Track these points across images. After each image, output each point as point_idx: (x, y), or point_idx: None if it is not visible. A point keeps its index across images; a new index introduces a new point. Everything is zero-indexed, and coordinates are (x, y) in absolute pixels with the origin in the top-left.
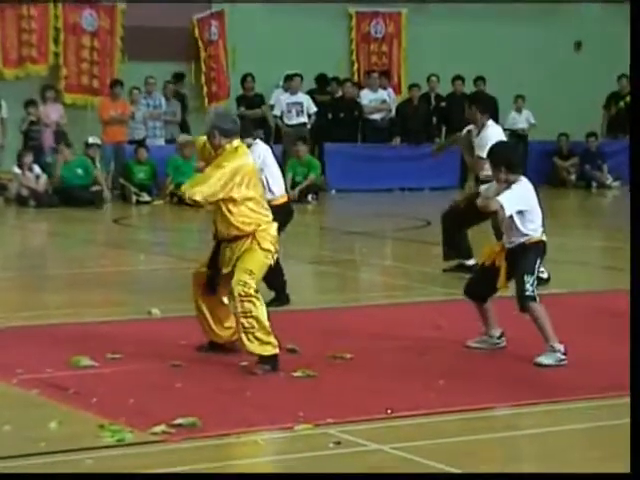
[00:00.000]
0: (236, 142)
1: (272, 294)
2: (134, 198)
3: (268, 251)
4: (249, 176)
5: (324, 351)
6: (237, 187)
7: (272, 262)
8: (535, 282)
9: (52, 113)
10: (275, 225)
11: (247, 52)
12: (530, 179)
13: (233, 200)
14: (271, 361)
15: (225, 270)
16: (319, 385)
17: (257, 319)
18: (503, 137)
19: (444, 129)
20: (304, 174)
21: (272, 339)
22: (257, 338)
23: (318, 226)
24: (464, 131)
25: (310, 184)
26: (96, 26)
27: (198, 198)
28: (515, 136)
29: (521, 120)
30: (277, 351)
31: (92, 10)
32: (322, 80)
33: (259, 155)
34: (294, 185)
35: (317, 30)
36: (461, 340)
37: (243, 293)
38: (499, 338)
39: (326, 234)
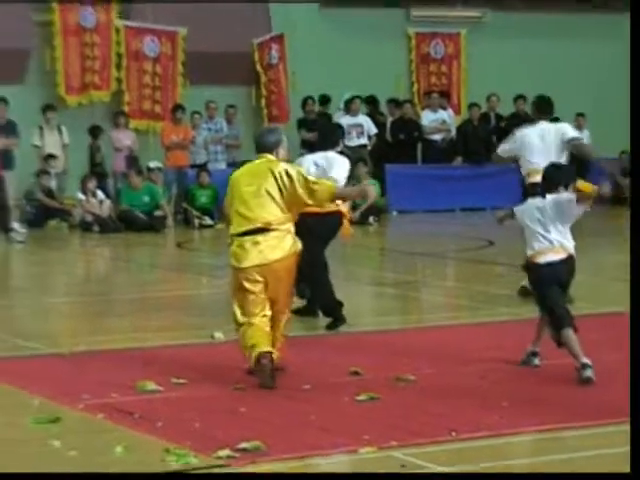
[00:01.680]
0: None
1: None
2: (196, 222)
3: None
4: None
5: (387, 373)
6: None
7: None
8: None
9: (124, 139)
10: (233, 240)
11: (307, 75)
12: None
13: None
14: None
15: None
16: (383, 408)
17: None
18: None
19: None
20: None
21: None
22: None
23: (379, 247)
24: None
25: (371, 205)
26: (158, 52)
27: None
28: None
29: (583, 138)
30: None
31: (153, 36)
32: (373, 102)
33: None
34: (355, 207)
35: (377, 52)
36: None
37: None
38: (532, 355)
39: (387, 255)
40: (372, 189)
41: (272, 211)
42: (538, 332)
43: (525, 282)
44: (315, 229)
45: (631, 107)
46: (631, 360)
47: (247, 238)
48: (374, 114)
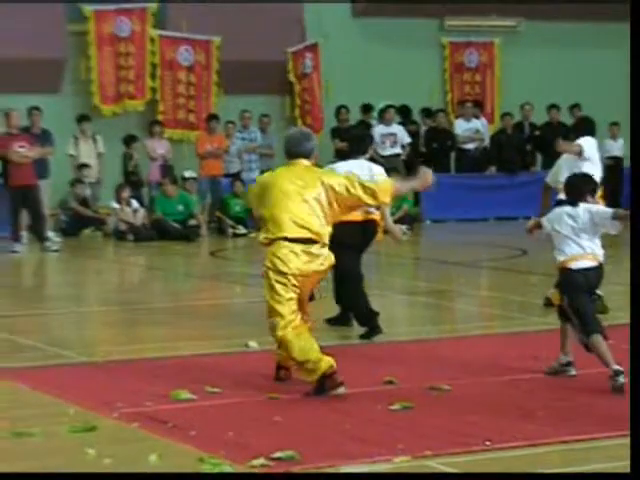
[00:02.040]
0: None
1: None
2: (230, 231)
3: (266, 268)
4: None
5: (421, 383)
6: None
7: (270, 279)
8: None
9: (159, 148)
10: (280, 243)
11: (341, 84)
12: (624, 206)
13: None
14: (320, 388)
15: None
16: (417, 417)
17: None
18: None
19: (540, 158)
20: (398, 205)
21: (314, 366)
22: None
23: (413, 256)
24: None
25: (404, 215)
26: (192, 61)
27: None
28: (611, 163)
29: (617, 147)
30: (321, 374)
31: (188, 45)
32: (405, 111)
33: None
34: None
35: (410, 61)
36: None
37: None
38: (566, 365)
39: (421, 264)
40: (430, 174)
41: (320, 222)
42: (563, 342)
43: (550, 293)
44: (351, 238)
45: (631, 108)
46: (631, 361)
47: (299, 245)
48: (407, 123)
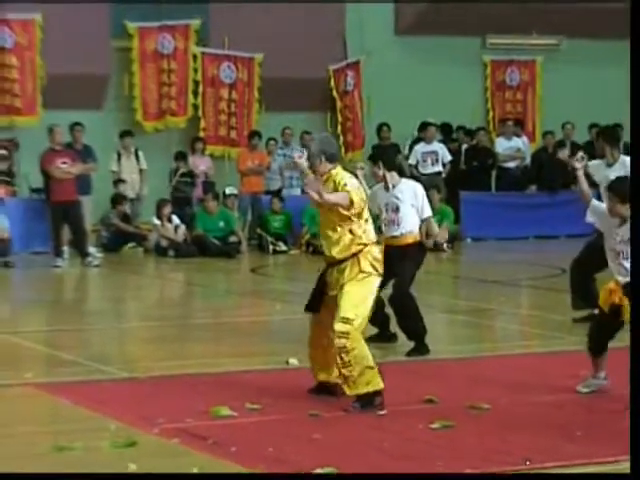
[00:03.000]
0: (339, 168)
1: (411, 343)
2: (271, 248)
3: (368, 273)
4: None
5: (462, 401)
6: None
7: (374, 285)
8: None
9: (200, 164)
10: (379, 247)
11: (382, 102)
12: None
13: (341, 218)
14: (365, 399)
15: (331, 293)
16: (457, 435)
17: (353, 356)
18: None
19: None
20: (438, 222)
21: (369, 377)
22: (351, 375)
23: (453, 275)
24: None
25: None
26: (234, 78)
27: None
28: None
29: None
30: (373, 389)
31: (230, 62)
32: (446, 129)
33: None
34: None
35: (452, 79)
36: (601, 390)
37: (342, 330)
38: (605, 379)
39: (461, 283)
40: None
41: None
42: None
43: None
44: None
45: (631, 109)
46: (631, 363)
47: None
48: (448, 141)
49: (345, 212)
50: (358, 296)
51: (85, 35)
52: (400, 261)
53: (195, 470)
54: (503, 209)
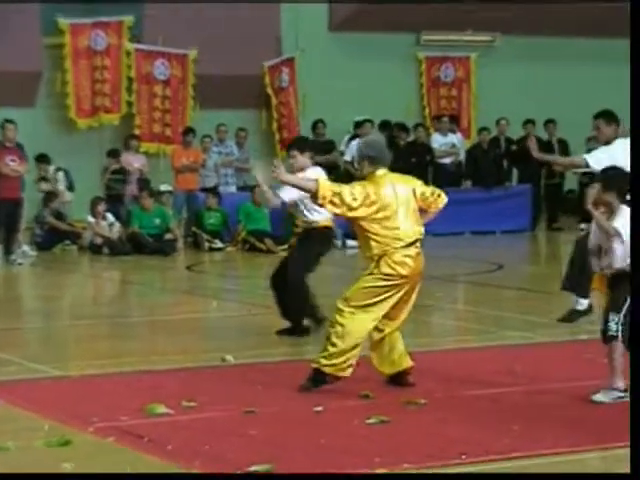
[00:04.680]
0: (381, 171)
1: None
2: (206, 245)
3: (387, 275)
4: (382, 202)
5: (398, 397)
6: (366, 207)
7: (390, 285)
8: (622, 319)
9: (135, 162)
10: (404, 252)
11: (318, 98)
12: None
13: (364, 221)
14: (317, 379)
15: None
16: (393, 431)
17: (336, 332)
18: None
19: (516, 172)
20: None
21: (342, 360)
22: (329, 350)
23: None
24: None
25: None
26: (168, 75)
27: (324, 194)
28: (587, 178)
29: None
30: (337, 374)
31: (164, 59)
32: (387, 126)
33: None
34: None
35: (387, 75)
36: (536, 384)
37: (339, 306)
38: (625, 391)
39: None
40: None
41: None
42: (612, 367)
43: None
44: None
45: (631, 109)
46: (632, 363)
47: None
48: (390, 138)
49: (336, 209)
50: (367, 285)
51: (16, 32)
52: (302, 244)
53: (129, 469)
54: None
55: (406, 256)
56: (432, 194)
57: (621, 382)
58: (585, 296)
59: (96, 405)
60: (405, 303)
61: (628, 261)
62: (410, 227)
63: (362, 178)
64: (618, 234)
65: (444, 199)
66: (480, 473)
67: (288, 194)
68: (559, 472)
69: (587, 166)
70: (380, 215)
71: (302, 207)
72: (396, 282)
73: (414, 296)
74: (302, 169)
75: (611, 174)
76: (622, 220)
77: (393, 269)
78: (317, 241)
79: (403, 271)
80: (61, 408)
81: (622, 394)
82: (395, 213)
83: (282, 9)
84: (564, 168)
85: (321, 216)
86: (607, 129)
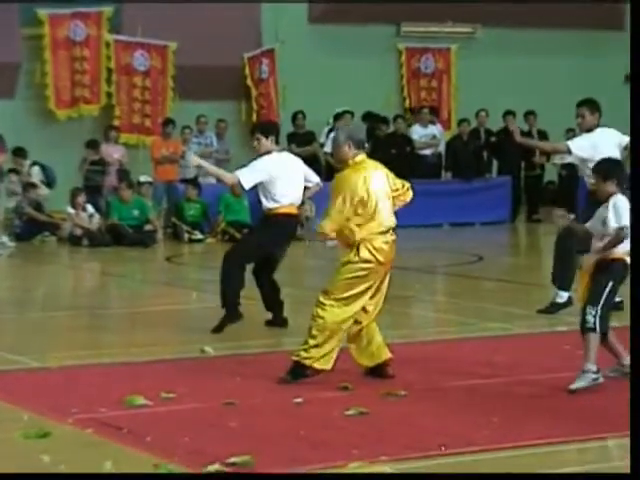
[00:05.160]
0: (360, 157)
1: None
2: (186, 236)
3: (366, 261)
4: (359, 196)
5: (377, 388)
6: (351, 206)
7: (368, 273)
8: (599, 312)
9: (114, 153)
10: (383, 238)
11: (297, 90)
12: (580, 208)
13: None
14: (297, 371)
15: None
16: (372, 422)
17: (318, 325)
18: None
19: (496, 164)
20: None
21: (322, 353)
22: (310, 343)
23: None
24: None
25: None
26: (148, 66)
27: (327, 231)
28: (566, 170)
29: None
30: (318, 366)
31: (143, 50)
32: (370, 117)
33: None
34: None
35: (367, 66)
36: (515, 376)
37: (320, 299)
38: (597, 372)
39: None
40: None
41: None
42: (612, 350)
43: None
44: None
45: (631, 108)
46: (632, 360)
47: None
48: (373, 129)
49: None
50: (347, 276)
51: None
52: (252, 231)
53: (108, 463)
54: (418, 196)
55: (385, 242)
56: (402, 186)
57: (592, 365)
58: (566, 289)
59: (75, 396)
60: (379, 292)
61: (627, 247)
62: (388, 213)
63: (338, 168)
64: (627, 234)
65: (411, 193)
66: (459, 464)
67: (246, 181)
68: (538, 463)
69: (569, 152)
70: (360, 210)
71: (260, 193)
72: (374, 268)
73: (386, 285)
74: (267, 153)
75: (609, 164)
76: (624, 212)
77: (372, 255)
78: (270, 229)
79: (381, 257)
80: (40, 400)
81: (595, 375)
82: (375, 200)
83: (262, 0)
84: (545, 154)
85: (278, 203)
86: (591, 117)
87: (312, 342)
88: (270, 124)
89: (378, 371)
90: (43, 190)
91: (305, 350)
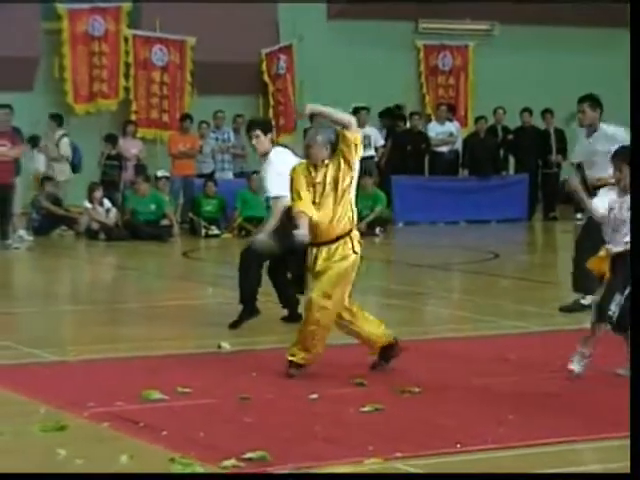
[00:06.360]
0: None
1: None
2: (203, 231)
3: (358, 254)
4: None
5: (392, 385)
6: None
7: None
8: (622, 302)
9: (132, 147)
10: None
11: (315, 86)
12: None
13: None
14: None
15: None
16: (388, 419)
17: (320, 333)
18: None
19: (513, 161)
20: (370, 207)
21: (313, 353)
22: (310, 348)
23: (385, 259)
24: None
25: (376, 217)
26: (166, 61)
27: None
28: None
29: None
30: (310, 364)
31: (162, 45)
32: (389, 113)
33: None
34: (361, 218)
35: (384, 63)
36: (530, 373)
37: (322, 304)
38: (589, 357)
39: (393, 267)
40: None
41: None
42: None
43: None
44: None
45: (631, 107)
46: (631, 360)
47: None
48: (394, 124)
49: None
50: (347, 275)
51: (15, 17)
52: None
53: (124, 457)
54: (435, 193)
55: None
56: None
57: (587, 349)
58: (590, 293)
59: (92, 390)
60: None
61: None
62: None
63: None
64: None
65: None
66: (476, 462)
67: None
68: (555, 461)
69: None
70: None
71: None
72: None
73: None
74: (265, 150)
75: (624, 149)
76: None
77: (361, 245)
78: (288, 226)
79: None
80: (57, 393)
81: (587, 358)
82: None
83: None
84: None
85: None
86: (592, 113)
87: (307, 343)
88: (268, 121)
89: (386, 353)
90: (65, 166)
91: (299, 350)
